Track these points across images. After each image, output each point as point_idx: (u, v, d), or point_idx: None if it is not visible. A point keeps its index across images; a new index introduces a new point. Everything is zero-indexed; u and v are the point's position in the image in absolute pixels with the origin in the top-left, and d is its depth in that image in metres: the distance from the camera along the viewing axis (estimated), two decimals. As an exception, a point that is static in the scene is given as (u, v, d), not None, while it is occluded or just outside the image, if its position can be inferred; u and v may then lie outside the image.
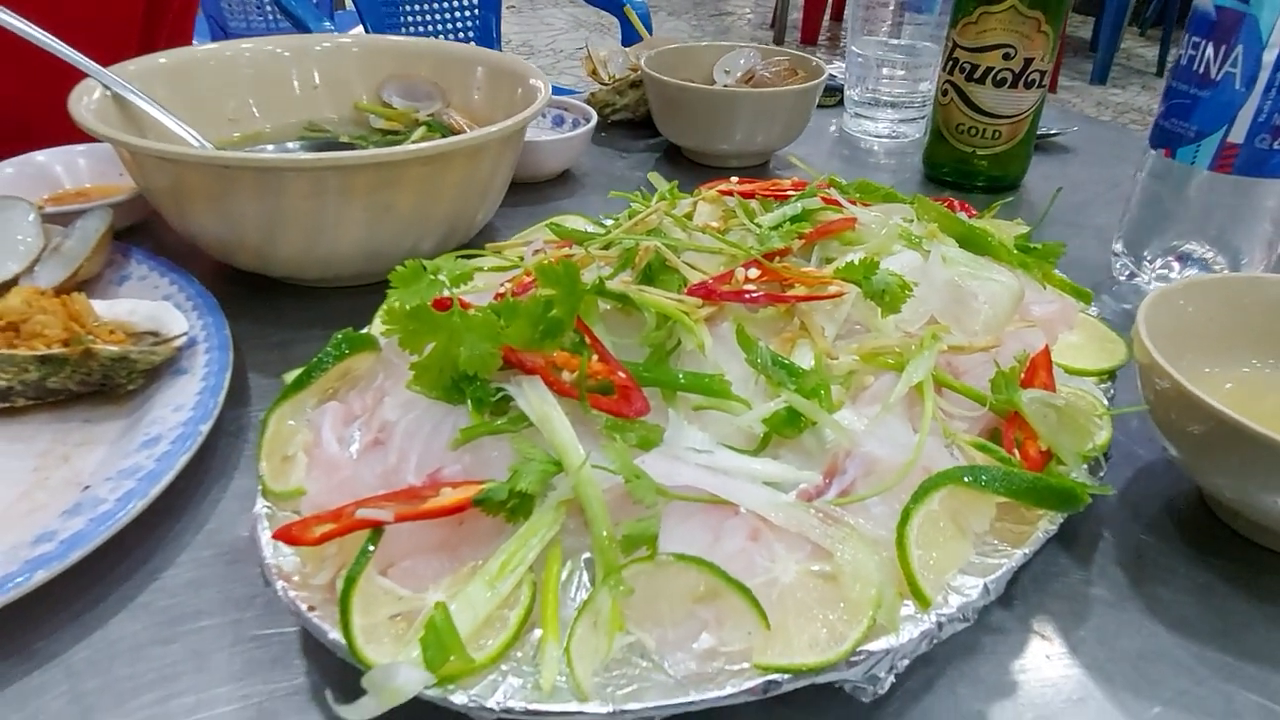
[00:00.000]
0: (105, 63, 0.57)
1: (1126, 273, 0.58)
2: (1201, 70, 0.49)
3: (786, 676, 0.27)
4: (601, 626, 0.27)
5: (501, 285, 0.39)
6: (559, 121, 0.74)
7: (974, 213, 0.47)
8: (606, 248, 0.41)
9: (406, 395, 0.35)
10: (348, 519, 0.29)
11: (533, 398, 0.32)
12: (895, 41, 0.84)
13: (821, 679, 0.28)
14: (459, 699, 0.26)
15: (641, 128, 0.84)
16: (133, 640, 0.33)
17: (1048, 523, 0.33)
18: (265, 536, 0.31)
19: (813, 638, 0.28)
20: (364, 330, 0.41)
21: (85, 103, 0.53)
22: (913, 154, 0.83)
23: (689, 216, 0.43)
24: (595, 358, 0.33)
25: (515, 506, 0.30)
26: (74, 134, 0.55)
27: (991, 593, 0.30)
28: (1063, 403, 0.35)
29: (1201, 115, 0.50)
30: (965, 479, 0.31)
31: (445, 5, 1.78)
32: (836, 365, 0.35)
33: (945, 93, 0.74)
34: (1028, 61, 0.69)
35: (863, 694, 0.29)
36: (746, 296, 0.36)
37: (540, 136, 0.68)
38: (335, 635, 0.28)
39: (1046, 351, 0.38)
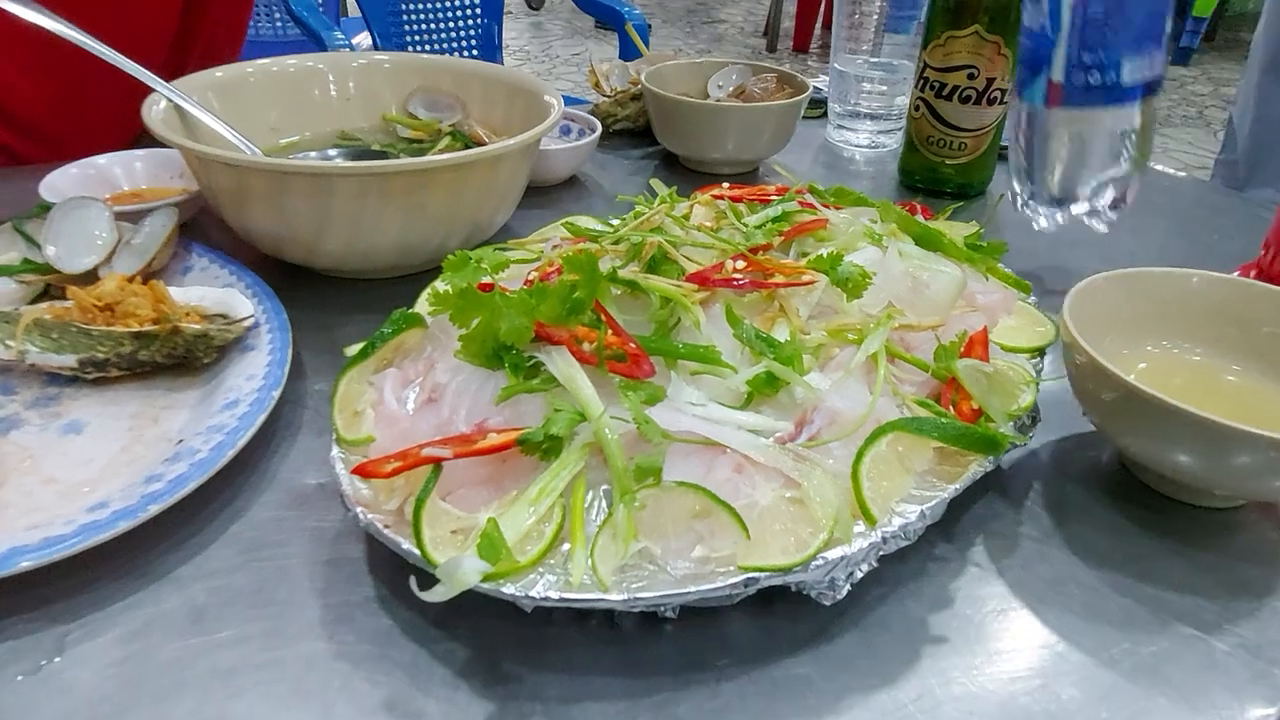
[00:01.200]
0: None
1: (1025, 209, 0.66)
2: (1029, 22, 0.58)
3: (763, 574, 0.34)
4: (619, 536, 0.34)
5: (529, 273, 0.46)
6: (566, 130, 0.81)
7: (931, 215, 0.54)
8: (616, 243, 0.48)
9: (454, 362, 0.42)
10: (414, 456, 0.36)
11: (560, 363, 0.39)
12: (875, 60, 0.91)
13: (790, 579, 0.35)
14: (508, 590, 0.33)
15: (641, 137, 0.91)
16: (229, 562, 0.40)
17: (976, 465, 0.40)
18: (344, 473, 0.39)
19: (784, 546, 0.35)
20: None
21: (154, 113, 0.59)
22: (890, 163, 0.90)
23: (686, 217, 0.51)
24: (610, 332, 0.41)
25: (548, 448, 0.37)
26: (102, 140, 0.61)
27: (928, 517, 0.38)
28: (992, 370, 0.42)
29: (1033, 59, 0.58)
30: (908, 427, 0.38)
31: (450, 14, 1.84)
32: (808, 339, 0.42)
33: (917, 108, 0.80)
34: (989, 81, 0.76)
35: (824, 598, 0.36)
36: (734, 283, 0.43)
37: (550, 145, 0.74)
38: (409, 546, 0.35)
39: (984, 331, 0.45)
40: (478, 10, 1.86)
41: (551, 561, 0.35)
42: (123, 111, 0.64)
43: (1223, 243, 0.76)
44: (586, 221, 0.56)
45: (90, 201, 0.58)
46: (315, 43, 1.56)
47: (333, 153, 0.70)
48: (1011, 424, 0.42)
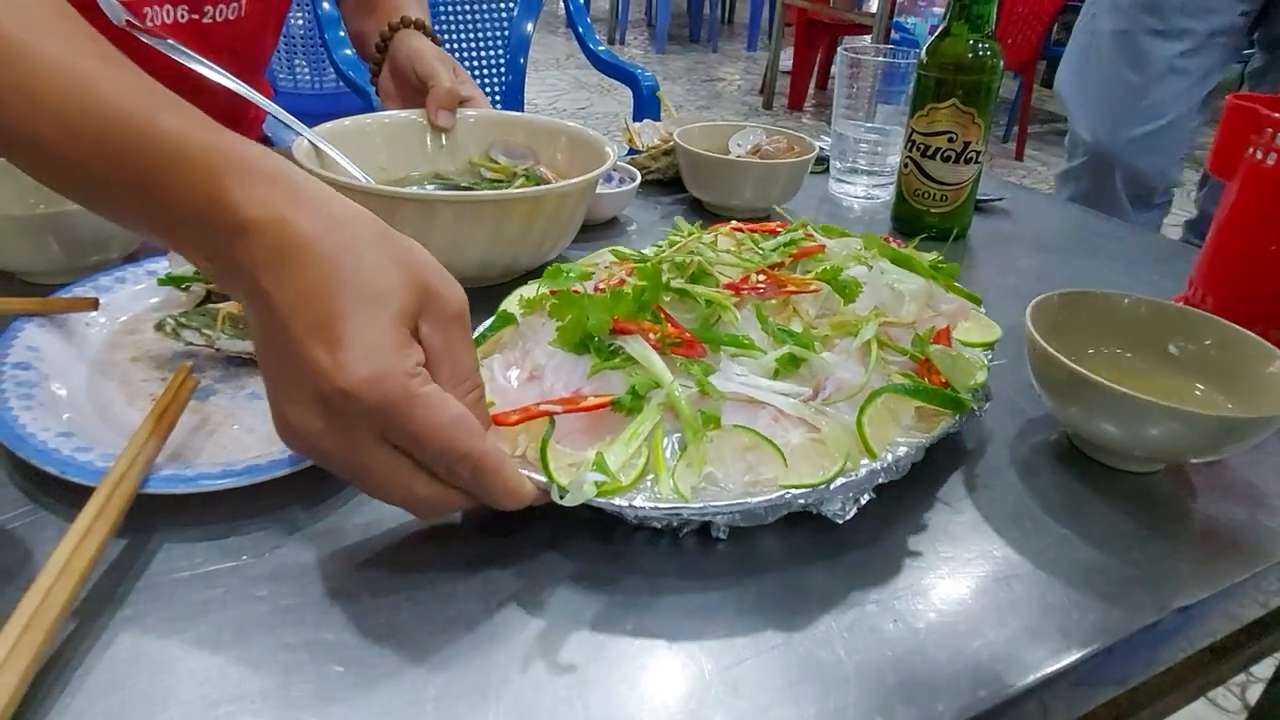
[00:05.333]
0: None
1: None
2: None
3: (797, 491, 0.46)
4: (692, 464, 0.47)
5: (595, 283, 0.58)
6: (609, 178, 0.94)
7: (902, 245, 0.67)
8: (661, 263, 0.61)
9: (549, 350, 0.52)
10: (533, 410, 0.48)
11: (635, 347, 0.51)
12: (870, 124, 1.06)
13: (813, 498, 0.46)
14: (616, 502, 0.44)
15: (670, 186, 1.05)
16: (380, 512, 0.49)
17: (947, 422, 0.53)
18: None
19: (811, 471, 0.47)
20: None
21: (301, 151, 0.73)
22: (882, 212, 1.04)
23: (713, 244, 0.64)
24: (669, 325, 0.54)
25: (632, 407, 0.49)
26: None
27: (912, 454, 0.50)
28: (955, 354, 0.55)
29: None
30: (895, 390, 0.51)
31: (478, 71, 2.05)
32: (816, 332, 0.55)
33: (906, 165, 0.93)
34: (966, 144, 0.89)
35: (838, 518, 0.48)
36: (759, 290, 0.57)
37: (599, 189, 0.88)
38: (539, 475, 0.45)
39: (948, 329, 0.58)
40: (503, 69, 2.06)
41: (642, 487, 0.46)
42: None
43: (1163, 280, 0.88)
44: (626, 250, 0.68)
45: None
46: (359, 96, 1.75)
47: (430, 187, 0.85)
48: (970, 395, 0.55)
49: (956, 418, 0.54)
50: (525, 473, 0.45)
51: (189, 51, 0.75)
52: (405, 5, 0.98)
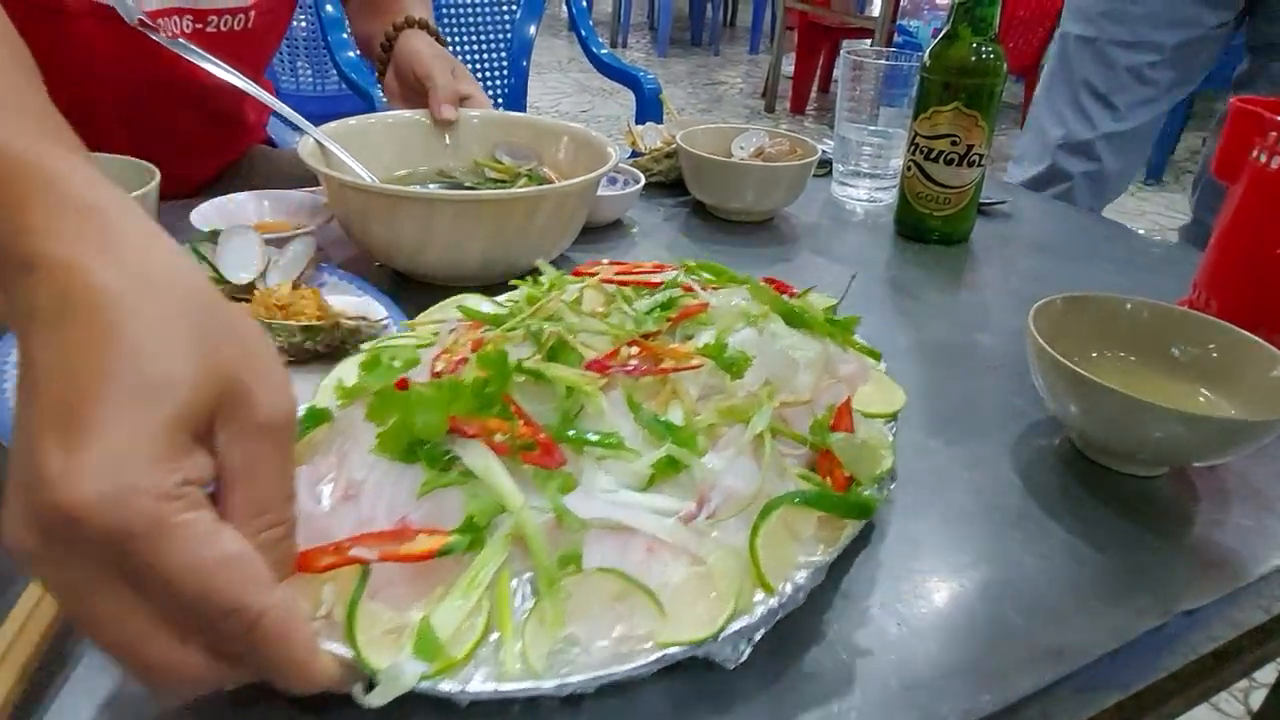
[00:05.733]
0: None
1: None
2: None
3: (680, 649, 0.37)
4: (547, 623, 0.37)
5: (434, 358, 0.49)
6: (613, 181, 0.92)
7: (794, 292, 0.59)
8: (513, 329, 0.50)
9: (368, 457, 0.43)
10: (344, 554, 0.38)
11: (475, 456, 0.41)
12: (873, 128, 1.03)
13: (701, 651, 0.38)
14: (445, 687, 0.35)
15: (672, 188, 1.04)
16: None
17: (853, 529, 0.44)
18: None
19: (695, 619, 0.38)
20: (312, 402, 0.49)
21: (307, 150, 0.74)
22: (885, 215, 1.02)
23: (577, 301, 0.53)
24: (520, 423, 0.43)
25: (472, 543, 0.39)
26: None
27: (815, 579, 0.41)
28: (860, 441, 0.46)
29: None
30: (794, 500, 0.41)
31: (481, 73, 2.07)
32: (699, 420, 0.45)
33: (909, 168, 0.91)
34: (969, 147, 0.88)
35: (728, 662, 0.39)
36: (631, 369, 0.46)
37: (603, 192, 0.86)
38: (344, 650, 0.35)
39: (849, 401, 0.48)
40: (506, 71, 2.09)
41: (483, 653, 0.37)
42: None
43: (1165, 283, 0.82)
44: (479, 302, 0.59)
45: (246, 230, 0.69)
46: (361, 98, 1.77)
47: (434, 186, 0.86)
48: (877, 486, 0.46)
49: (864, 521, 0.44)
50: (327, 645, 0.36)
51: (199, 50, 0.79)
52: (409, 5, 0.99)
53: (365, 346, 0.54)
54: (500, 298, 0.60)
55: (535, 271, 0.60)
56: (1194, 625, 0.47)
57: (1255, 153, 0.67)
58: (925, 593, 0.45)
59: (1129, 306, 0.62)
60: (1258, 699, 1.39)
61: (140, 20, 0.79)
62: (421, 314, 0.60)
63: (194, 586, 0.30)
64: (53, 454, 0.29)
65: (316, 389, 0.50)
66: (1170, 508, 0.54)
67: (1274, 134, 0.66)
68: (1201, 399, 0.59)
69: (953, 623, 0.44)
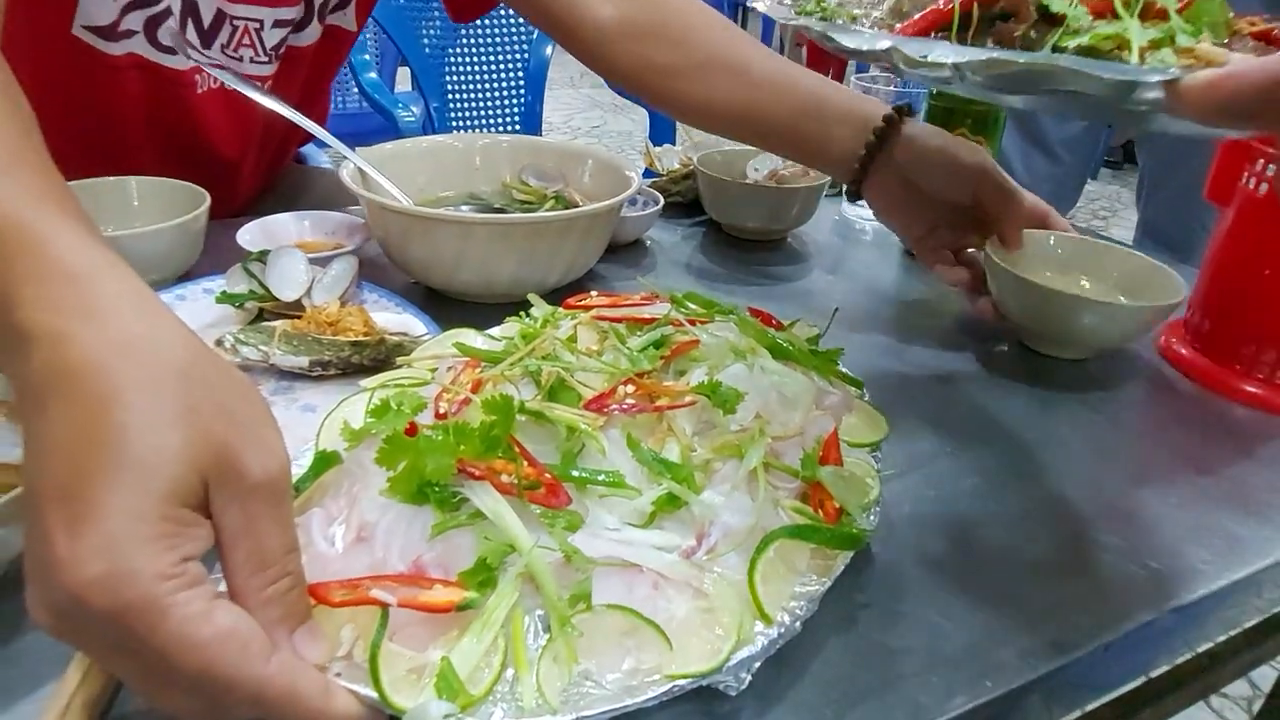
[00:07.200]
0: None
1: None
2: None
3: (687, 681, 0.40)
4: (560, 660, 0.39)
5: (441, 404, 0.49)
6: (633, 202, 0.94)
7: (781, 325, 0.63)
8: (511, 367, 0.52)
9: (379, 500, 0.44)
10: (363, 595, 0.39)
11: (484, 498, 0.43)
12: None
13: (707, 681, 0.41)
14: None
15: (690, 208, 1.07)
16: None
17: (843, 559, 0.48)
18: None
19: (700, 651, 0.41)
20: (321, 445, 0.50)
21: (348, 174, 0.78)
22: (893, 235, 1.03)
23: (572, 339, 0.55)
24: (526, 464, 0.45)
25: (483, 581, 0.41)
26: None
27: (810, 609, 0.45)
28: (848, 473, 0.50)
29: None
30: (788, 534, 0.45)
31: (495, 94, 2.16)
32: (695, 456, 0.48)
33: None
34: None
35: (730, 690, 0.42)
36: (627, 408, 0.49)
37: (625, 213, 0.88)
38: (368, 691, 0.37)
39: (835, 433, 0.52)
40: (522, 90, 2.14)
41: (500, 690, 0.39)
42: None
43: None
44: (474, 338, 0.59)
45: (292, 250, 0.73)
46: (384, 116, 1.95)
47: (465, 208, 0.90)
48: (866, 515, 0.50)
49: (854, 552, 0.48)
50: (350, 686, 0.37)
51: (243, 78, 0.83)
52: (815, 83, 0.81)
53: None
54: (494, 331, 0.61)
55: (526, 305, 0.61)
56: (1187, 621, 0.51)
57: (1245, 179, 0.72)
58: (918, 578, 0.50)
59: (1052, 240, 0.82)
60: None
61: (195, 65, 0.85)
62: (417, 350, 0.61)
63: (194, 663, 0.32)
64: (58, 537, 0.31)
65: (320, 427, 0.51)
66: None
67: (1262, 161, 0.70)
68: (1120, 300, 0.77)
69: (952, 609, 0.48)
